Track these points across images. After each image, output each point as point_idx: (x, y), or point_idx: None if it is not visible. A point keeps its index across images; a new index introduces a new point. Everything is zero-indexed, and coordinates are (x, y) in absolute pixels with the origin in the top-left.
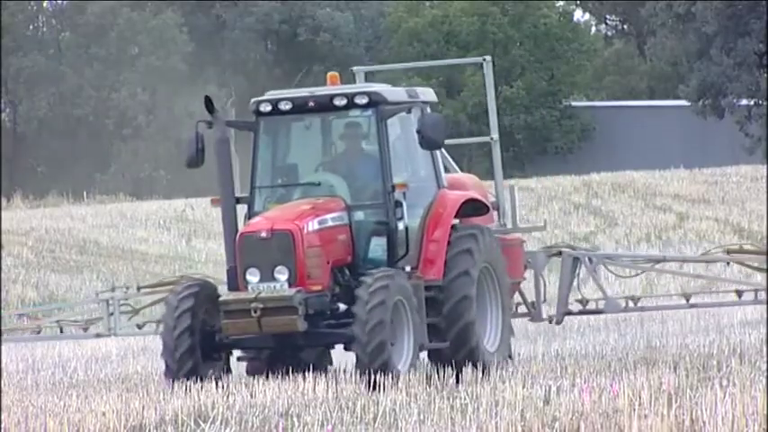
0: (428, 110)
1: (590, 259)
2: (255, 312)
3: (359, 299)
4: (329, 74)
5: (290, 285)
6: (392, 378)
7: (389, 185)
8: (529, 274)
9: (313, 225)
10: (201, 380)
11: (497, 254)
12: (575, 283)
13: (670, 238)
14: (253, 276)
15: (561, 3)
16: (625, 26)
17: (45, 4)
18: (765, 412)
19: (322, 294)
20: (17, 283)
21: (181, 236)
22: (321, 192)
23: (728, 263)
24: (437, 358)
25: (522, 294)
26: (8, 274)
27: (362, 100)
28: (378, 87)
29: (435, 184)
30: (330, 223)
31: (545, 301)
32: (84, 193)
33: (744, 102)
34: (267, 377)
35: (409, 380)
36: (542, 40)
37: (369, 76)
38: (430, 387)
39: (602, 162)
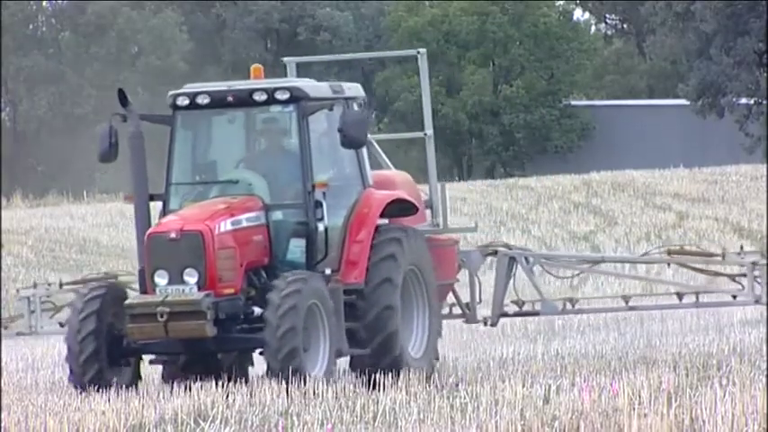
0: (355, 107)
1: (527, 259)
2: (162, 317)
3: (270, 303)
4: (253, 66)
5: (199, 288)
6: (391, 377)
7: (309, 184)
8: (464, 274)
9: (225, 225)
10: (108, 386)
11: (425, 256)
12: (511, 284)
13: (670, 237)
14: (161, 279)
15: (561, 2)
16: (625, 25)
17: (45, 3)
18: (765, 411)
19: (234, 298)
20: (17, 283)
21: None
22: (238, 190)
23: (669, 264)
24: (358, 365)
25: (456, 296)
26: (8, 273)
27: (283, 95)
28: (300, 82)
29: (360, 182)
30: (245, 224)
31: (480, 302)
32: (84, 193)
33: (743, 101)
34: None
35: (409, 379)
36: (542, 40)
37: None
38: (430, 386)
39: (601, 161)
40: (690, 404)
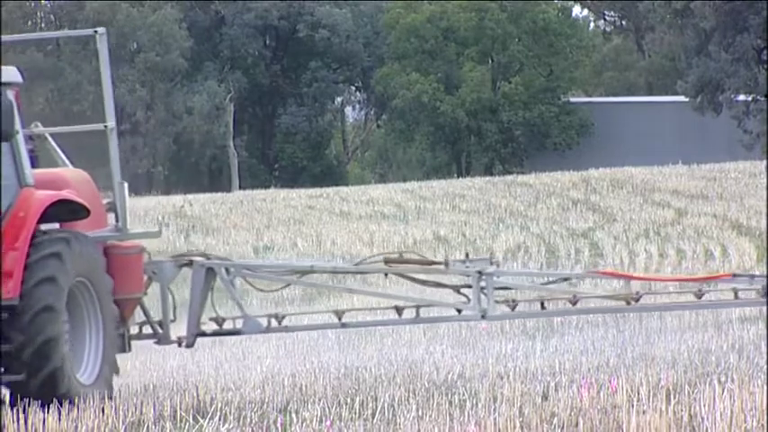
0: (9, 94)
1: (227, 270)
2: None
3: None
4: None
5: None
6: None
7: None
8: (156, 288)
9: None
10: None
11: (98, 268)
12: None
13: (668, 233)
14: None
15: None
16: (623, 22)
17: (43, 2)
18: (765, 408)
19: None
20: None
21: (179, 231)
22: None
23: (387, 274)
24: (18, 391)
25: (146, 312)
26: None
27: None
28: None
29: (16, 181)
30: None
31: (174, 320)
32: None
33: (741, 97)
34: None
35: (408, 376)
36: (541, 36)
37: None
38: (428, 383)
39: (600, 158)
40: (688, 401)
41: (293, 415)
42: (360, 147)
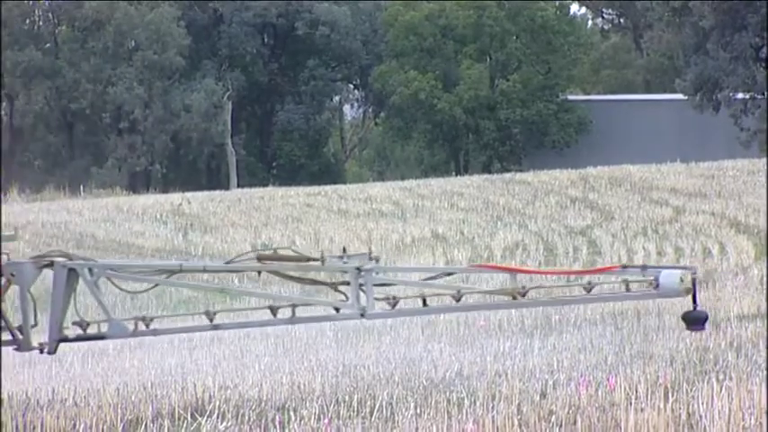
0: None
1: (90, 270)
2: None
3: None
4: None
5: None
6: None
7: None
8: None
9: None
10: None
11: None
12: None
13: (667, 231)
14: None
15: None
16: (621, 20)
17: (41, 0)
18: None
19: None
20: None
21: (177, 229)
22: None
23: (260, 272)
24: None
25: (4, 317)
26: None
27: None
28: None
29: None
30: None
31: (36, 325)
32: (81, 187)
33: (740, 95)
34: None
35: (406, 374)
36: (539, 34)
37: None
38: (426, 381)
39: (598, 156)
40: (687, 399)
41: (291, 413)
42: (358, 145)
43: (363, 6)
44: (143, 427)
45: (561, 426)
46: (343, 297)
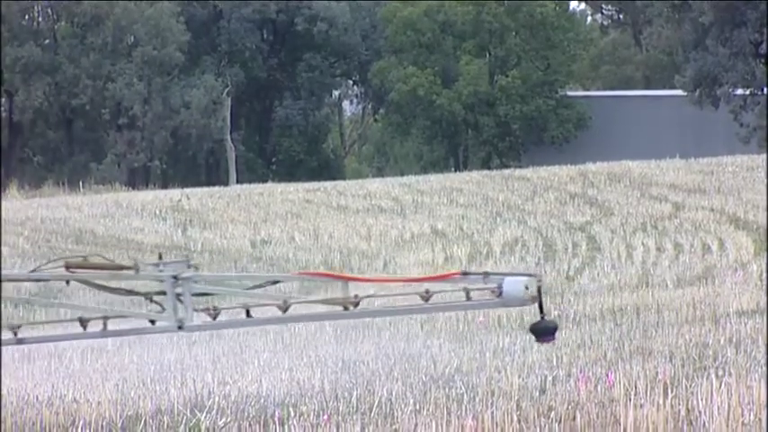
0: None
1: None
2: None
3: None
4: None
5: None
6: (389, 369)
7: None
8: None
9: None
10: None
11: None
12: None
13: (666, 227)
14: None
15: None
16: (621, 16)
17: None
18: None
19: None
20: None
21: (177, 225)
22: None
23: (68, 282)
24: None
25: None
26: (4, 264)
27: None
28: None
29: None
30: None
31: None
32: (80, 183)
33: (739, 91)
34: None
35: (405, 370)
36: (538, 30)
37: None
38: (426, 377)
39: (597, 152)
40: (686, 395)
41: (291, 409)
42: (357, 141)
43: (362, 2)
44: (142, 423)
45: (560, 422)
46: (159, 308)
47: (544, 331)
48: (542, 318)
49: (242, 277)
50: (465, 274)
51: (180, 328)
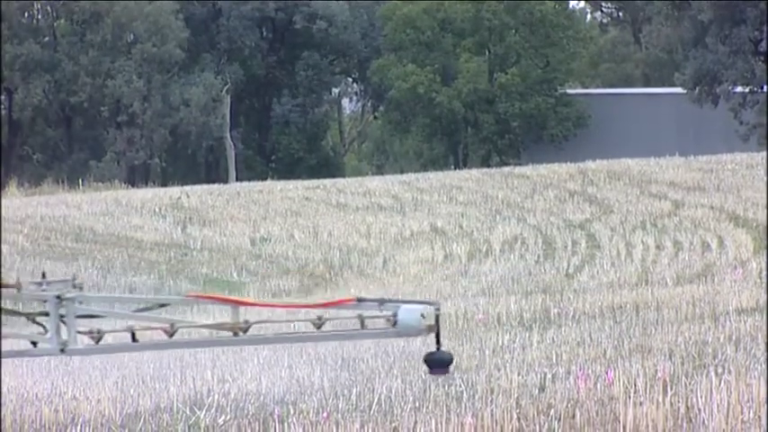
0: None
1: None
2: None
3: None
4: None
5: None
6: (389, 367)
7: None
8: None
9: None
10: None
11: None
12: None
13: (665, 225)
14: None
15: None
16: (620, 13)
17: None
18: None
19: None
20: (13, 271)
21: (176, 223)
22: None
23: None
24: None
25: None
26: (3, 261)
27: None
28: None
29: None
30: None
31: None
32: (80, 181)
33: (739, 89)
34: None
35: (405, 367)
36: (538, 28)
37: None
38: (425, 374)
39: (597, 150)
40: (685, 392)
41: (290, 407)
42: (357, 138)
43: (361, 0)
44: (142, 420)
45: (560, 419)
46: (41, 329)
47: (439, 363)
48: (438, 349)
49: (130, 299)
50: (360, 300)
51: (62, 351)
